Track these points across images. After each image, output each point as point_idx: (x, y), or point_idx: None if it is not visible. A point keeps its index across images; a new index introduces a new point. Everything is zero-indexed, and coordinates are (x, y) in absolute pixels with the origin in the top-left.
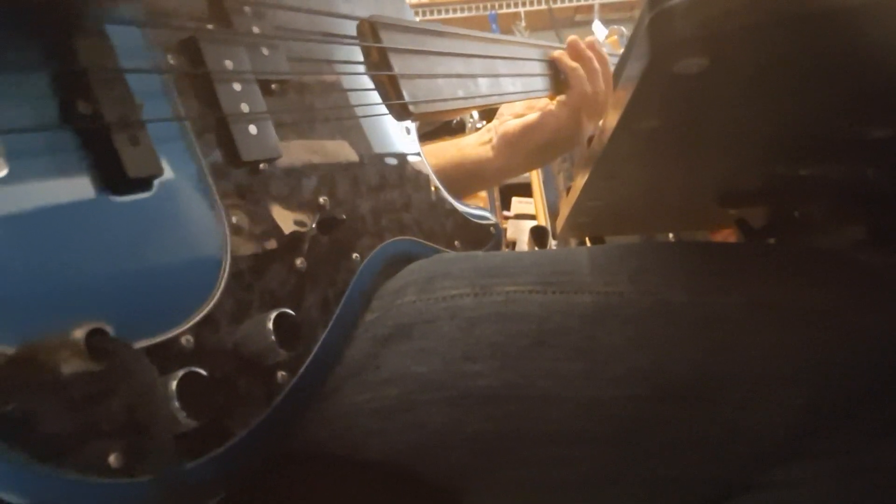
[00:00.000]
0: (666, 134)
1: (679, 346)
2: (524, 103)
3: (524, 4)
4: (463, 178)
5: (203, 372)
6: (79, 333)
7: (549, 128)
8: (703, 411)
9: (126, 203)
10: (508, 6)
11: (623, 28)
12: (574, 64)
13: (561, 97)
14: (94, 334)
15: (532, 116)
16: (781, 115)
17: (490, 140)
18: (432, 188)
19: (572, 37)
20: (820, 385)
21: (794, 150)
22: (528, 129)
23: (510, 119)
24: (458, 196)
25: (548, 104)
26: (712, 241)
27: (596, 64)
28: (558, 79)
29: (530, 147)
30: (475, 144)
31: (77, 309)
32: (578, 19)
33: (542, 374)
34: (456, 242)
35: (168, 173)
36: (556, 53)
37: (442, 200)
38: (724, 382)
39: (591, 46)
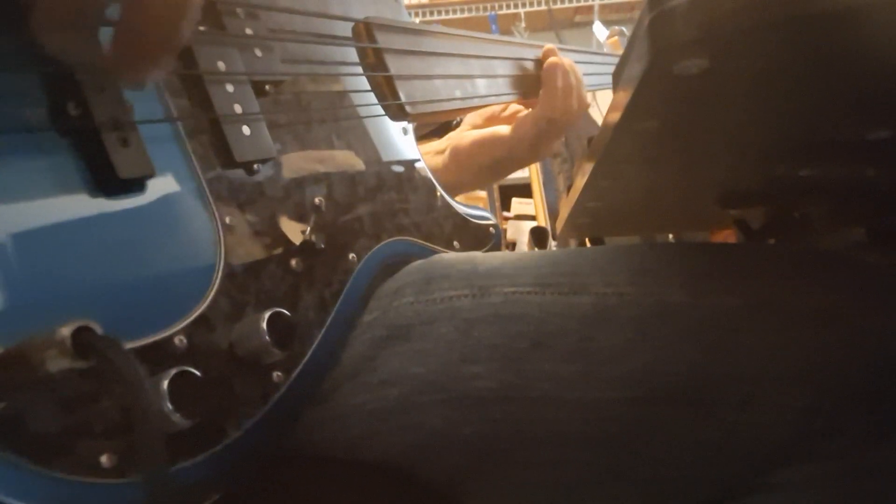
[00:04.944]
0: (666, 134)
1: (679, 347)
2: (486, 114)
3: (524, 5)
4: None
5: (196, 371)
6: (66, 331)
7: (505, 143)
8: (702, 413)
9: (118, 204)
10: (508, 7)
11: (624, 28)
12: (552, 71)
13: (525, 111)
14: (81, 332)
15: (486, 132)
16: (781, 116)
17: (444, 150)
18: (431, 189)
19: (548, 45)
20: (820, 386)
21: (794, 150)
22: (480, 145)
23: (466, 131)
24: None
25: (509, 112)
26: (712, 242)
27: (573, 79)
28: (532, 84)
29: (482, 163)
30: (432, 153)
31: (65, 307)
32: (578, 20)
33: (541, 376)
34: (455, 243)
35: (160, 174)
36: (542, 53)
37: (441, 201)
38: (723, 384)
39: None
